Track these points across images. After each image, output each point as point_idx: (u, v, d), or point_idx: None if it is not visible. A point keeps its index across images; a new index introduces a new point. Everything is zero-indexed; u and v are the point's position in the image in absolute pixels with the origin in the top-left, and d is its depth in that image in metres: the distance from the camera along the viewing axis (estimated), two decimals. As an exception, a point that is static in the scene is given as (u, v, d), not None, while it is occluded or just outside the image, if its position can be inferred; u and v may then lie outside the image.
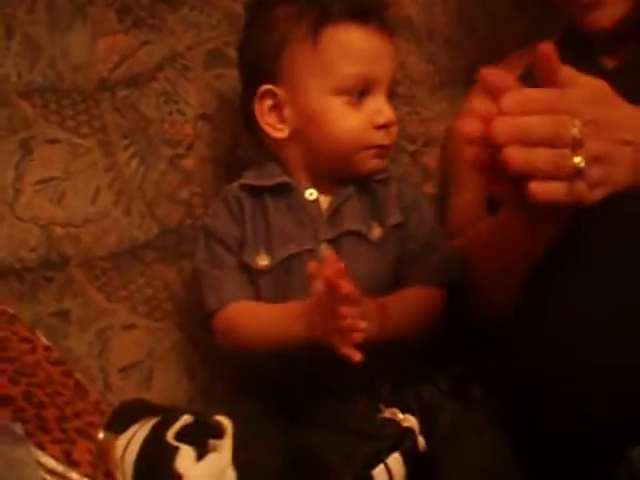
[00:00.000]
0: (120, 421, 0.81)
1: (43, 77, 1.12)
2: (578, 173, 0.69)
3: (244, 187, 1.00)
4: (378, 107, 0.96)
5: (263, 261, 0.97)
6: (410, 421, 0.82)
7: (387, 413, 0.86)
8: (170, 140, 1.14)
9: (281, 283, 0.96)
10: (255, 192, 1.00)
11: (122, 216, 1.11)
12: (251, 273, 0.98)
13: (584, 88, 0.73)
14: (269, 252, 0.97)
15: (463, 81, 1.25)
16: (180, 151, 1.14)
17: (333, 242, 0.97)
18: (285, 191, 0.99)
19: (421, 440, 0.81)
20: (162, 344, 1.07)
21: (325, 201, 1.00)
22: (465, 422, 0.85)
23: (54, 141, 1.09)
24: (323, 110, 0.96)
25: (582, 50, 1.05)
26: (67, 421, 0.79)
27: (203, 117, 1.16)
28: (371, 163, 0.99)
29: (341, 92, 0.96)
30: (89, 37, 1.15)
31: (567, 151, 0.69)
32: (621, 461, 0.70)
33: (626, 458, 0.69)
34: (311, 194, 0.99)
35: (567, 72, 0.73)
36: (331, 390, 0.92)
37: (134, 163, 1.12)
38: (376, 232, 0.98)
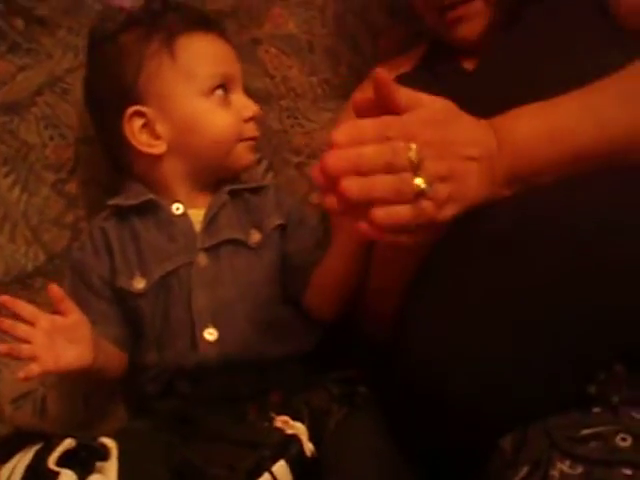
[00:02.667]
0: (5, 450, 0.80)
1: None
2: (421, 194, 0.70)
3: (112, 211, 1.02)
4: (243, 103, 1.03)
5: (139, 284, 0.98)
6: (297, 428, 0.83)
7: (278, 421, 0.87)
8: (52, 165, 1.14)
9: (160, 302, 0.97)
10: (123, 215, 1.01)
11: (7, 244, 1.10)
12: (129, 297, 0.98)
13: (423, 110, 0.73)
14: (144, 274, 0.98)
15: (346, 91, 1.26)
16: (63, 175, 1.14)
17: (211, 250, 0.99)
18: (152, 209, 1.01)
19: (309, 446, 0.82)
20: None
21: (199, 214, 1.01)
22: (350, 425, 0.86)
23: None
24: (195, 115, 1.00)
25: (445, 56, 1.09)
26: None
27: (84, 140, 1.15)
28: (246, 157, 1.05)
29: (207, 93, 1.01)
30: (-37, 64, 1.13)
31: (407, 174, 0.70)
32: (493, 451, 0.72)
33: (497, 448, 0.71)
34: (177, 208, 1.01)
35: (407, 95, 0.74)
36: (220, 400, 0.93)
37: (16, 190, 1.11)
38: (255, 237, 1.01)
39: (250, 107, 1.04)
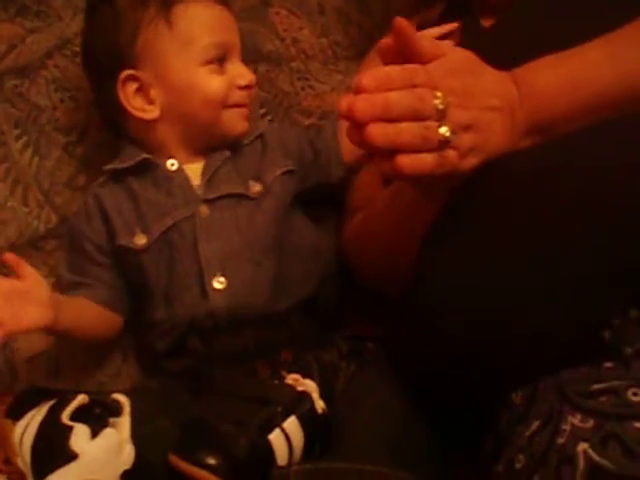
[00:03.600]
0: (19, 408, 0.81)
1: None
2: (446, 143, 0.70)
3: (109, 175, 1.03)
4: (239, 71, 1.02)
5: (141, 240, 0.99)
6: (308, 385, 0.83)
7: (289, 379, 0.87)
8: (63, 127, 1.14)
9: (164, 257, 0.98)
10: (119, 178, 1.02)
11: (20, 206, 1.10)
12: (131, 255, 0.99)
13: (446, 59, 0.73)
14: (145, 230, 0.99)
15: (357, 53, 1.26)
16: (74, 138, 1.14)
17: (212, 202, 1.00)
18: (147, 168, 1.02)
19: (320, 403, 0.83)
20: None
21: (195, 168, 1.02)
22: (360, 381, 0.87)
23: (-57, 134, 1.08)
24: (191, 82, 1.00)
25: (464, 13, 1.08)
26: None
27: (95, 102, 1.15)
28: (240, 125, 1.03)
29: (203, 62, 1.00)
30: (-28, 27, 1.13)
31: (432, 122, 0.70)
32: (504, 406, 0.72)
33: (508, 403, 0.72)
34: (172, 164, 1.02)
35: (429, 44, 0.74)
36: (230, 357, 0.95)
37: (28, 153, 1.11)
38: (255, 188, 1.01)
39: (245, 75, 1.03)
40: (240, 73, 1.03)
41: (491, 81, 0.76)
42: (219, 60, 1.01)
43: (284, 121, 1.21)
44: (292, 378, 0.87)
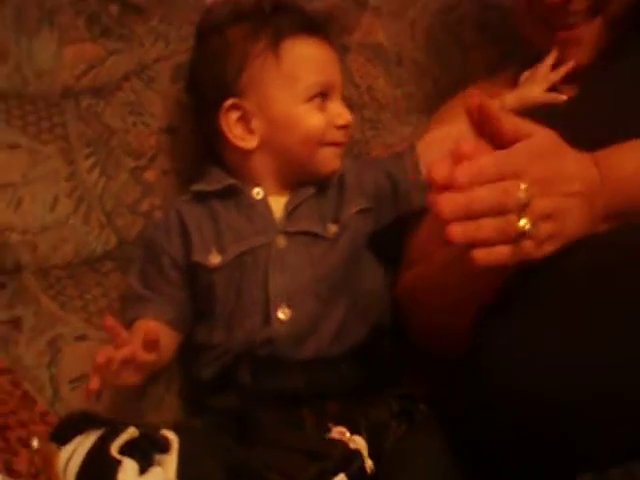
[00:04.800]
0: (66, 432, 0.80)
1: (8, 81, 1.11)
2: (523, 235, 0.70)
3: (193, 195, 1.04)
4: (338, 110, 1.04)
5: (215, 259, 1.00)
6: (358, 443, 0.82)
7: (335, 432, 0.86)
8: (133, 151, 1.14)
9: (235, 279, 0.99)
10: (203, 199, 1.04)
11: (81, 225, 1.10)
12: (204, 272, 1.00)
13: (530, 142, 0.73)
14: (221, 251, 1.00)
15: (429, 107, 1.26)
16: (142, 163, 1.14)
17: (290, 235, 1.00)
18: (233, 193, 1.03)
19: (369, 462, 0.82)
20: (114, 356, 1.05)
21: (279, 200, 1.04)
22: (410, 442, 0.86)
23: (14, 146, 1.08)
24: (292, 116, 1.02)
25: None
26: (10, 430, 0.78)
27: (167, 129, 1.16)
28: (334, 163, 1.05)
29: (307, 99, 1.02)
30: (56, 44, 1.14)
31: (513, 216, 0.70)
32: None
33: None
34: (258, 193, 1.03)
35: (514, 124, 0.74)
36: (277, 398, 0.94)
37: (95, 173, 1.12)
38: (332, 229, 1.02)
39: (344, 115, 1.04)
40: (339, 112, 1.04)
41: (574, 164, 0.76)
42: (321, 98, 1.03)
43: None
44: (338, 431, 0.86)
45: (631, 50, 1.01)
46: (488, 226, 0.69)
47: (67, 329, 1.05)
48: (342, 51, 1.26)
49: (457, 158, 0.70)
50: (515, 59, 1.23)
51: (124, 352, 0.87)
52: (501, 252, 0.70)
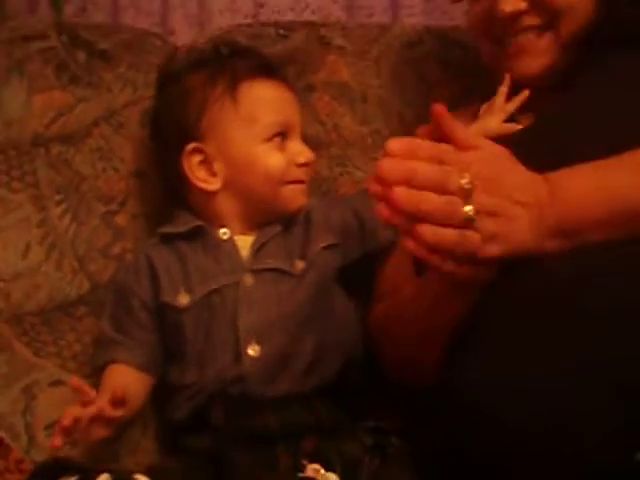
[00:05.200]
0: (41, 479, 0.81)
1: (-22, 132, 1.13)
2: (469, 221, 0.71)
3: (161, 238, 1.06)
4: (298, 149, 1.07)
5: (183, 299, 1.01)
6: (329, 478, 0.82)
7: (309, 470, 0.87)
8: (103, 196, 1.16)
9: (204, 319, 1.00)
10: (171, 241, 1.06)
11: (53, 271, 1.12)
12: (173, 313, 1.02)
13: (481, 151, 0.76)
14: (189, 291, 1.02)
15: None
16: (113, 207, 1.16)
17: (257, 273, 1.02)
18: (200, 234, 1.05)
19: (342, 498, 0.82)
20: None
21: (246, 239, 1.05)
22: (383, 476, 0.86)
23: (-16, 196, 1.10)
24: (252, 157, 1.05)
25: None
26: (-16, 479, 0.78)
27: (137, 174, 1.18)
28: (298, 200, 1.07)
29: (266, 139, 1.05)
30: (25, 92, 1.16)
31: (457, 199, 0.71)
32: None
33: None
34: (224, 234, 1.05)
35: (467, 134, 0.76)
36: (252, 437, 0.94)
37: (66, 219, 1.13)
38: (299, 266, 1.04)
39: (304, 153, 1.07)
40: (299, 151, 1.07)
41: (522, 177, 0.78)
42: (281, 138, 1.05)
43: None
44: (313, 469, 0.87)
45: (587, 74, 1.04)
46: (432, 200, 0.71)
47: (42, 375, 1.06)
48: (308, 90, 1.29)
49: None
50: (478, 94, 1.26)
51: (91, 411, 0.89)
52: (447, 234, 0.71)
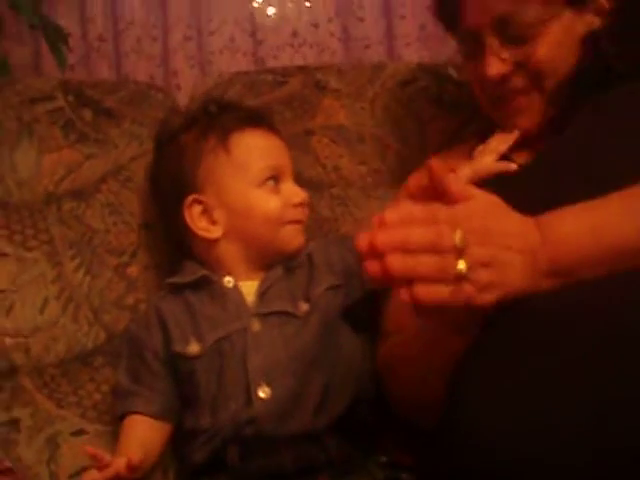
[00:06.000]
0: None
1: (-8, 194, 1.18)
2: (462, 277, 0.74)
3: (169, 288, 1.11)
4: (292, 190, 1.13)
5: (194, 348, 1.06)
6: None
7: (324, 505, 0.90)
8: (115, 249, 1.21)
9: (215, 366, 1.05)
10: (179, 292, 1.10)
11: (70, 324, 1.16)
12: (185, 362, 1.06)
13: (472, 202, 0.79)
14: (199, 339, 1.06)
15: (394, 180, 1.32)
16: (125, 259, 1.21)
17: (263, 317, 1.06)
18: (205, 284, 1.10)
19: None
20: (110, 448, 1.08)
21: (250, 285, 1.10)
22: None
23: (2, 255, 1.15)
24: (249, 202, 1.10)
25: None
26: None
27: (146, 226, 1.23)
28: (296, 240, 1.12)
29: (259, 184, 1.10)
30: (35, 153, 1.22)
31: (450, 257, 0.74)
32: None
33: None
34: (229, 282, 1.10)
35: (460, 187, 0.79)
36: (267, 477, 0.99)
37: (80, 273, 1.18)
38: (303, 308, 1.08)
39: (298, 194, 1.12)
40: (293, 192, 1.12)
41: (515, 224, 0.81)
42: (273, 181, 1.11)
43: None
44: (327, 504, 0.90)
45: (578, 113, 1.07)
46: (426, 262, 0.73)
47: (64, 425, 1.10)
48: (306, 134, 1.34)
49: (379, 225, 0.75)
50: (472, 128, 1.30)
51: (108, 475, 0.93)
52: (440, 291, 0.74)
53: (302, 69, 1.43)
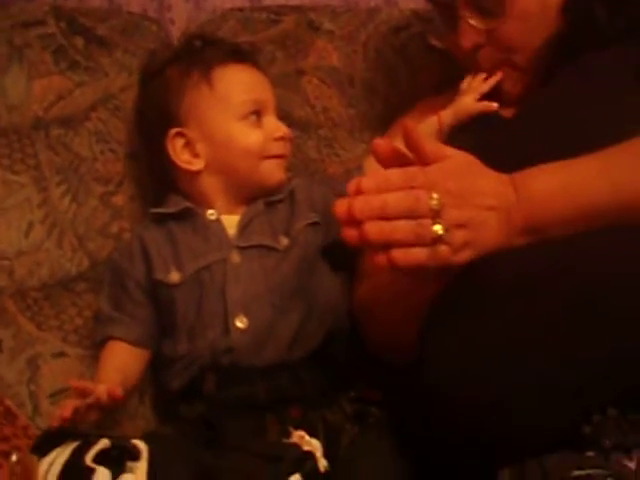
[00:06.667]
0: (45, 444, 0.87)
1: (-19, 117, 1.18)
2: (439, 239, 0.76)
3: (153, 218, 1.13)
4: (274, 124, 1.14)
5: (175, 277, 1.08)
6: (312, 444, 0.89)
7: (295, 436, 0.93)
8: (101, 178, 1.22)
9: (194, 295, 1.07)
10: (162, 222, 1.12)
11: (54, 249, 1.18)
12: (165, 289, 1.08)
13: (447, 162, 0.80)
14: (179, 268, 1.08)
15: (381, 124, 1.33)
16: (111, 188, 1.22)
17: (244, 250, 1.09)
18: (189, 216, 1.12)
19: (323, 462, 0.89)
20: (90, 371, 1.12)
21: (232, 219, 1.12)
22: (362, 443, 0.93)
23: (-12, 178, 1.15)
24: (230, 135, 1.11)
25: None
26: (-7, 444, 0.85)
27: (133, 156, 1.24)
28: (276, 174, 1.14)
29: (241, 117, 1.12)
30: (25, 78, 1.22)
31: (426, 220, 0.76)
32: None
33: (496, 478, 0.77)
34: (212, 214, 1.12)
35: (433, 147, 0.81)
36: (242, 405, 1.01)
37: (66, 199, 1.19)
38: (283, 242, 1.10)
39: (280, 128, 1.14)
40: (275, 126, 1.13)
41: (490, 182, 0.82)
42: (255, 115, 1.12)
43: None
44: (298, 435, 0.93)
45: (565, 75, 1.08)
46: (403, 227, 0.76)
47: (45, 347, 1.12)
48: (297, 74, 1.35)
49: (356, 192, 0.77)
50: (463, 77, 1.30)
51: (89, 401, 0.95)
52: (417, 254, 0.76)
53: (296, 9, 1.43)
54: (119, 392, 0.97)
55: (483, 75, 1.15)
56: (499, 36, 1.09)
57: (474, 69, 1.15)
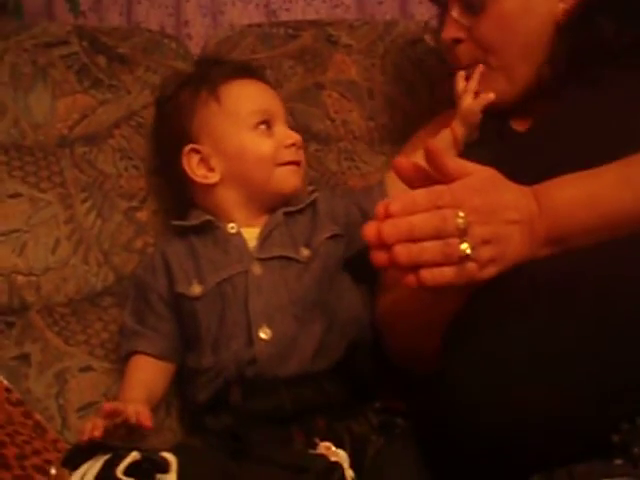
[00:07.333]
0: (76, 458, 0.88)
1: (7, 135, 1.21)
2: (465, 258, 0.77)
3: (175, 232, 1.16)
4: (284, 132, 1.16)
5: (196, 290, 1.10)
6: (339, 455, 0.90)
7: (322, 447, 0.94)
8: (125, 194, 1.24)
9: (216, 307, 1.08)
10: (184, 235, 1.14)
11: (80, 265, 1.19)
12: (187, 302, 1.10)
13: (470, 179, 0.81)
14: (201, 281, 1.10)
15: (400, 137, 1.34)
16: (135, 204, 1.24)
17: (265, 262, 1.10)
18: (209, 229, 1.14)
19: (350, 473, 0.89)
20: (117, 385, 1.13)
21: (252, 231, 1.13)
22: (388, 454, 0.94)
23: (16, 195, 1.18)
24: (242, 146, 1.14)
25: (495, 115, 1.15)
26: (26, 459, 0.86)
27: (156, 172, 1.25)
28: (291, 181, 1.15)
29: (251, 127, 1.14)
30: (50, 97, 1.24)
31: (454, 240, 0.77)
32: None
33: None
34: (232, 227, 1.13)
35: (455, 164, 0.82)
36: (267, 416, 1.03)
37: (92, 215, 1.21)
38: (304, 253, 1.11)
39: (291, 136, 1.16)
40: (287, 134, 1.16)
41: (512, 196, 0.83)
42: (265, 125, 1.15)
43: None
44: (324, 446, 0.94)
45: (578, 88, 1.09)
46: (431, 248, 0.77)
47: (72, 362, 1.14)
48: (317, 88, 1.36)
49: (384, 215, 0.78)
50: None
51: (118, 421, 0.97)
52: (446, 273, 0.78)
53: (314, 23, 1.45)
54: (149, 424, 0.99)
55: (462, 73, 1.15)
56: (478, 34, 1.11)
57: (453, 65, 1.16)
